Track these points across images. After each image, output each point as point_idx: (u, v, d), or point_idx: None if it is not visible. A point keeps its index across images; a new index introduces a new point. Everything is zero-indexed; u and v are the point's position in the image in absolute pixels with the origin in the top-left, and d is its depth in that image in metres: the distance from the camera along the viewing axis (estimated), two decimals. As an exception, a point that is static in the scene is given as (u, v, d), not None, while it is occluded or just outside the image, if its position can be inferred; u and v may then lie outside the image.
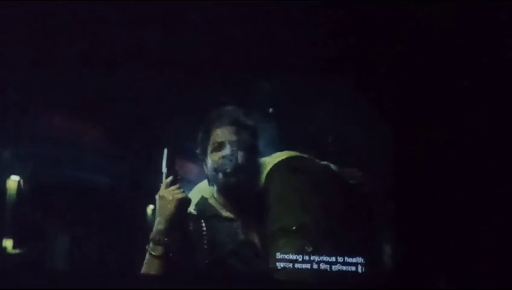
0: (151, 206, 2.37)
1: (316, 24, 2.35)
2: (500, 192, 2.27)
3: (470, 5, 2.28)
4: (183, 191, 2.26)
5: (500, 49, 2.32)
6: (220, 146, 2.29)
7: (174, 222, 2.20)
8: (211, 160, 2.30)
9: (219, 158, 2.28)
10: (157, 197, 2.25)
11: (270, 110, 2.43)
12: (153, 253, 2.19)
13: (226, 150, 2.28)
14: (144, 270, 2.21)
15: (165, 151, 2.33)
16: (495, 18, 2.30)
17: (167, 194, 2.23)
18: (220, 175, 2.28)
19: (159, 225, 2.20)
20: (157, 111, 2.45)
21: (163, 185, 2.26)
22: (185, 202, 2.24)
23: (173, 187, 2.24)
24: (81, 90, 2.46)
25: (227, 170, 2.27)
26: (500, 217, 2.26)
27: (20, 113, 2.51)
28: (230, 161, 2.27)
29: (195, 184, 2.39)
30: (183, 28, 2.38)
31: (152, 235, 2.20)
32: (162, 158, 2.33)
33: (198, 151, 2.35)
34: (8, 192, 2.49)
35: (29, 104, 2.51)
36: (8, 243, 2.48)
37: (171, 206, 2.21)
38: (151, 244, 2.20)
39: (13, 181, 2.50)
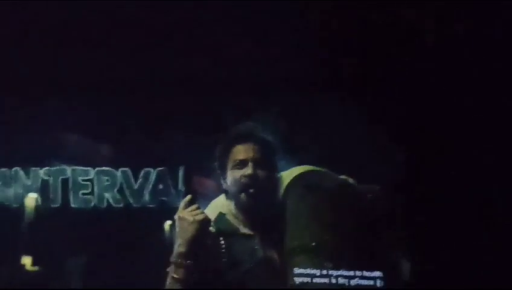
0: (168, 222, 2.37)
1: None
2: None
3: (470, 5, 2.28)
4: (203, 212, 2.22)
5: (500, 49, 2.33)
6: (241, 164, 2.27)
7: (195, 243, 2.16)
8: (232, 177, 2.28)
9: (241, 177, 2.26)
10: (176, 217, 2.20)
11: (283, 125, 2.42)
12: (175, 276, 2.15)
13: (249, 169, 2.25)
14: (166, 293, 2.19)
15: (181, 169, 2.33)
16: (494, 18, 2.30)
17: (187, 215, 2.18)
18: (243, 195, 2.26)
19: (180, 247, 2.16)
20: (172, 129, 2.45)
21: (182, 205, 2.21)
22: (205, 223, 2.20)
23: (192, 207, 2.20)
24: (96, 109, 2.47)
25: (250, 191, 2.25)
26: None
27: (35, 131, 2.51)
28: (253, 180, 2.25)
29: (212, 199, 2.36)
30: (196, 46, 2.39)
31: (173, 258, 2.16)
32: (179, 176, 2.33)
33: (216, 165, 2.33)
34: (26, 209, 2.50)
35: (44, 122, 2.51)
36: (27, 261, 2.49)
37: (191, 228, 2.16)
38: (172, 267, 2.16)
39: (31, 199, 2.50)
